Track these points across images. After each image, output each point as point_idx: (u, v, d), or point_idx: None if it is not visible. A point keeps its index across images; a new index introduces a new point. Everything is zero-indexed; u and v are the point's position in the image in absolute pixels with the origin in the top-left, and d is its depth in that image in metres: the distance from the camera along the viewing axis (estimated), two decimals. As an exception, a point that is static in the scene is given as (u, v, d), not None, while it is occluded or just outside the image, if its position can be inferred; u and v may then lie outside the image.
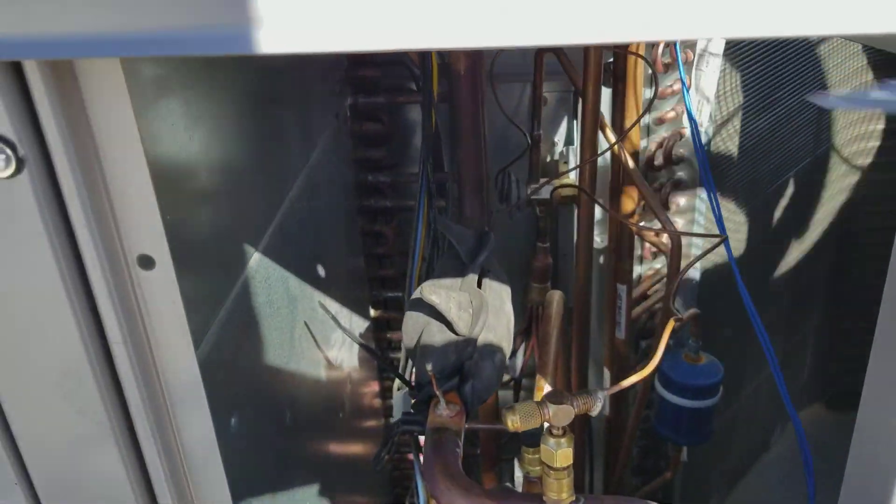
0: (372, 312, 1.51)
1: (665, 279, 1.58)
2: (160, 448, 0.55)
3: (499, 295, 0.96)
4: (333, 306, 1.23)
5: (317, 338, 1.11)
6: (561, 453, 0.66)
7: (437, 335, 0.89)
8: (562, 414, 0.65)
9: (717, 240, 0.94)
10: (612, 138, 1.28)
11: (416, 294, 0.92)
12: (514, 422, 0.67)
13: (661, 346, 0.68)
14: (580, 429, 1.63)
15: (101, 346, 0.52)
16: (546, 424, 0.67)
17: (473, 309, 0.88)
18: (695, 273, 1.70)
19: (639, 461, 1.98)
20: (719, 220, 1.02)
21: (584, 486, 1.86)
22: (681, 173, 1.58)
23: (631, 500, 0.68)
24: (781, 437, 2.48)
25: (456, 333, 0.86)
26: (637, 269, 1.71)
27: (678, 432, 1.69)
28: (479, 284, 0.96)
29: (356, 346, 1.28)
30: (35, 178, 0.47)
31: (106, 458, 0.53)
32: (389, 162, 1.43)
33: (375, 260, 1.49)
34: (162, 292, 0.51)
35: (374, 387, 1.54)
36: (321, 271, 1.11)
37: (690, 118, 1.07)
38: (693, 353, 1.63)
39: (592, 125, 1.25)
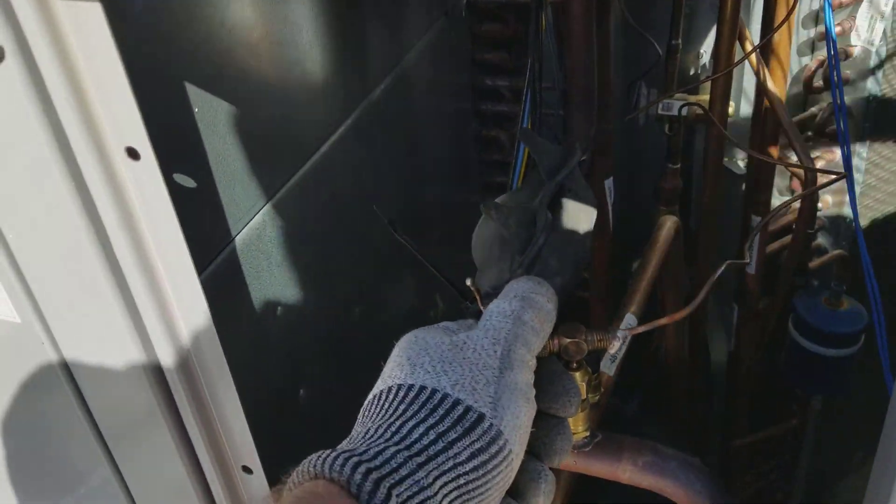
0: (485, 220, 1.49)
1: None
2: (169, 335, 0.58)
3: (574, 217, 0.90)
4: (436, 210, 1.23)
5: (404, 237, 1.12)
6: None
7: (497, 252, 0.86)
8: (574, 348, 0.61)
9: (832, 177, 0.81)
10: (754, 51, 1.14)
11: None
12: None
13: (702, 292, 0.61)
14: (692, 364, 1.54)
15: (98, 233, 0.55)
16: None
17: (537, 229, 0.84)
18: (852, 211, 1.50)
19: (769, 401, 1.86)
20: (846, 157, 0.89)
21: (704, 419, 1.77)
22: (845, 98, 1.38)
23: (651, 444, 0.64)
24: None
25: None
26: (782, 201, 1.54)
27: (807, 380, 1.56)
28: (556, 204, 0.91)
29: (459, 239, 1.26)
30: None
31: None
32: (512, 65, 1.36)
33: (491, 167, 1.45)
34: (149, 185, 0.52)
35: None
36: (414, 176, 1.11)
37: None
38: (833, 298, 1.47)
39: (729, 33, 1.12)
